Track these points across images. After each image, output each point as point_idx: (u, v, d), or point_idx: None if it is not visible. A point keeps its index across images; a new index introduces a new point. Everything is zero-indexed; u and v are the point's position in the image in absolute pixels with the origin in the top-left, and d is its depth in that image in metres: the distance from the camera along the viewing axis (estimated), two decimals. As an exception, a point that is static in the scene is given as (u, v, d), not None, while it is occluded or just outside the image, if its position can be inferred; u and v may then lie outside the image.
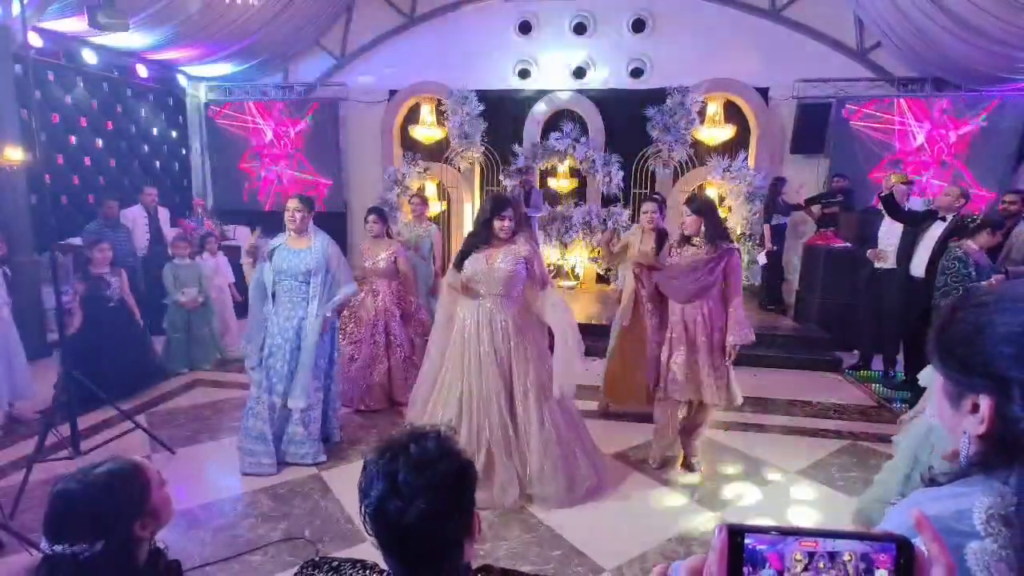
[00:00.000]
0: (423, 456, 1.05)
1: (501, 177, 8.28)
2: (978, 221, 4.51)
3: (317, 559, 1.19)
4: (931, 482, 0.78)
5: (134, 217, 6.47)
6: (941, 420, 0.81)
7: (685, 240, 3.57)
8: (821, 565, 0.50)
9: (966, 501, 0.68)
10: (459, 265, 3.32)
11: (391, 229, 5.09)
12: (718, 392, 3.51)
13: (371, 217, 4.79)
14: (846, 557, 0.50)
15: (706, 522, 3.27)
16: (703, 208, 3.51)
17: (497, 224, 3.24)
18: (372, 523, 1.04)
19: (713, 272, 3.43)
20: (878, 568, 0.50)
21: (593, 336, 4.59)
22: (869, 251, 5.52)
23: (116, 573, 1.29)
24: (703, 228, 3.46)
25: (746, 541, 0.51)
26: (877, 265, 5.47)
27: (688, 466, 3.80)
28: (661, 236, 4.16)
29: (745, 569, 0.51)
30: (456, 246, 3.46)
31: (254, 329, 3.79)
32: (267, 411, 3.68)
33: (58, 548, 1.25)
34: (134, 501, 1.34)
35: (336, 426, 4.12)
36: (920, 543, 0.51)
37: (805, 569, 0.51)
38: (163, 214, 6.92)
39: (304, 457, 3.76)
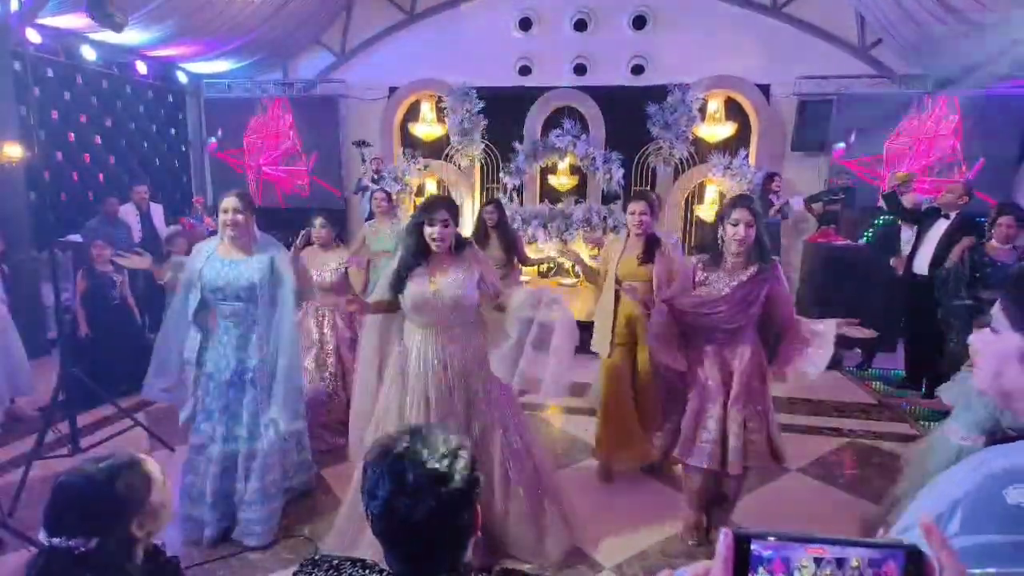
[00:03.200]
0: (430, 453, 1.06)
1: (501, 175, 8.27)
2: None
3: (317, 558, 1.18)
4: (992, 439, 0.76)
5: (126, 215, 6.46)
6: (1006, 388, 0.78)
7: (718, 257, 2.72)
8: (828, 572, 0.49)
9: None
10: (396, 286, 2.61)
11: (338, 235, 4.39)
12: (755, 450, 2.71)
13: (318, 221, 4.00)
14: (853, 563, 0.49)
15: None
16: (759, 212, 2.65)
17: (428, 230, 2.52)
18: (379, 523, 1.04)
19: (757, 299, 2.64)
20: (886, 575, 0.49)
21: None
22: (893, 259, 5.45)
23: (111, 570, 1.28)
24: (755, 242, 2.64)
25: (752, 547, 0.50)
26: (901, 272, 5.36)
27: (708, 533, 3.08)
28: (650, 244, 3.33)
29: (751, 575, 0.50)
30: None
31: (162, 366, 2.99)
32: (217, 465, 2.96)
33: (56, 541, 1.25)
34: (132, 499, 1.34)
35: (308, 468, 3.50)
36: (926, 548, 0.50)
37: None
38: (156, 211, 6.89)
39: (254, 536, 2.96)
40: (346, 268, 4.00)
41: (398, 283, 2.61)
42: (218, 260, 2.91)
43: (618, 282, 3.37)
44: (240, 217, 2.88)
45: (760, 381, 2.74)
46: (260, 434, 2.96)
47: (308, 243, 3.28)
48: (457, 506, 1.04)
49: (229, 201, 2.90)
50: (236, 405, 2.96)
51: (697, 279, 2.74)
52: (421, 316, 2.61)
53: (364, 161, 7.60)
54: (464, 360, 2.64)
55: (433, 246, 2.54)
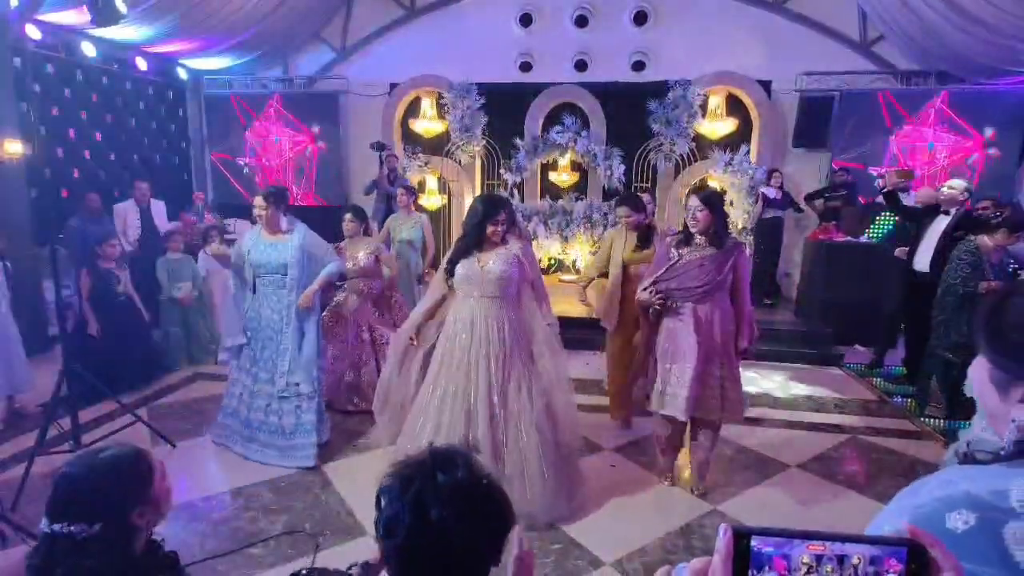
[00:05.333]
0: (455, 488, 0.97)
1: (502, 171, 8.26)
2: (1001, 218, 4.34)
3: (305, 573, 1.17)
4: (966, 458, 0.76)
5: (126, 212, 6.44)
6: (986, 407, 0.78)
7: (688, 238, 3.24)
8: (828, 569, 0.49)
9: (1003, 482, 0.67)
10: (450, 271, 3.17)
11: (369, 228, 5.04)
12: (731, 406, 3.27)
13: (347, 216, 4.64)
14: (855, 560, 0.49)
15: (707, 515, 3.27)
16: (713, 201, 3.20)
17: (490, 228, 3.08)
18: (398, 562, 0.96)
19: (722, 269, 3.17)
20: (888, 572, 0.49)
21: (593, 329, 4.62)
22: (898, 250, 5.39)
23: (112, 557, 1.30)
24: (710, 225, 3.16)
25: (752, 543, 0.50)
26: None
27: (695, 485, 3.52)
28: (645, 231, 4.14)
29: (751, 572, 0.50)
30: (455, 239, 3.32)
31: (230, 327, 3.89)
32: (251, 399, 3.77)
33: (57, 527, 1.27)
34: (135, 487, 1.36)
35: (325, 425, 3.94)
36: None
37: (812, 572, 0.49)
38: (158, 208, 6.87)
39: (308, 457, 3.68)
40: (376, 255, 4.65)
41: (452, 268, 3.15)
42: (262, 242, 3.71)
43: (625, 266, 4.12)
44: (265, 212, 3.68)
45: (731, 345, 3.27)
46: (289, 381, 3.68)
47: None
48: (487, 540, 0.98)
49: (258, 200, 3.74)
50: (271, 355, 3.73)
51: (671, 257, 3.28)
52: (469, 286, 3.11)
53: (382, 165, 7.53)
54: (503, 329, 3.08)
55: (494, 238, 3.11)
